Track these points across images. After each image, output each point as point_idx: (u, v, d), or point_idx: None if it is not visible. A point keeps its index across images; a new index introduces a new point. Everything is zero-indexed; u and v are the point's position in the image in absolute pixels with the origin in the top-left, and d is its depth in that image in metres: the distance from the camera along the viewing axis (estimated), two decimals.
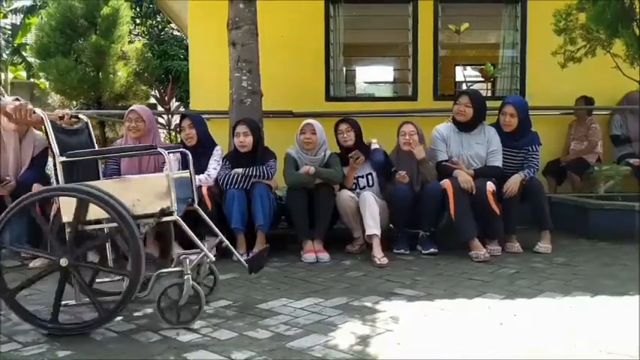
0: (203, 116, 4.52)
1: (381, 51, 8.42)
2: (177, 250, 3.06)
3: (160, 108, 7.25)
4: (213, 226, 2.94)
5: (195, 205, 2.91)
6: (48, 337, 2.49)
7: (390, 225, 4.29)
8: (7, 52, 16.14)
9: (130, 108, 4.20)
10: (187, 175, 2.89)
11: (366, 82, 9.86)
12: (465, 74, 5.83)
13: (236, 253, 3.09)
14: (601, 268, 3.63)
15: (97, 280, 2.99)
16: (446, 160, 4.22)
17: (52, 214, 3.78)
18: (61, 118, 2.69)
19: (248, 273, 2.97)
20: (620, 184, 5.07)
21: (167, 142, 6.77)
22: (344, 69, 6.51)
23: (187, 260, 2.62)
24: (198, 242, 2.70)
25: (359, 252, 4.18)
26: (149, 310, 2.83)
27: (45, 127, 2.63)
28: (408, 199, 4.10)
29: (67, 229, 2.57)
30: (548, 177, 5.75)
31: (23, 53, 15.80)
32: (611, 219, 4.51)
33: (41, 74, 9.20)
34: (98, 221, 2.57)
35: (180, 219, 2.60)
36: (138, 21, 12.62)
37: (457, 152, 4.26)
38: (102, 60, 7.93)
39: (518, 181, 4.14)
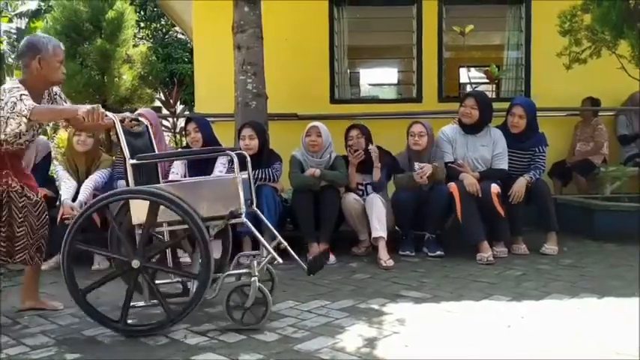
0: (208, 119, 4.53)
1: (386, 53, 8.43)
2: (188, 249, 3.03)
3: (165, 111, 7.27)
4: (272, 228, 2.91)
5: (254, 207, 2.91)
6: (56, 340, 2.50)
7: (396, 227, 4.29)
8: (13, 56, 16.21)
9: (137, 111, 4.21)
10: (246, 176, 2.89)
11: (370, 85, 9.86)
12: (469, 76, 5.81)
13: (294, 255, 2.94)
14: (608, 270, 3.62)
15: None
16: (452, 162, 4.22)
17: (59, 217, 3.82)
18: (122, 121, 2.70)
19: (307, 274, 2.87)
20: (627, 185, 5.05)
21: (172, 145, 6.80)
22: (348, 71, 6.52)
23: (255, 262, 2.61)
24: (266, 244, 2.69)
25: (365, 254, 4.18)
26: (156, 312, 2.84)
27: (116, 130, 2.65)
28: (410, 203, 4.11)
29: (138, 232, 2.60)
30: (553, 178, 5.73)
31: None
32: (617, 220, 4.49)
33: None
34: (168, 223, 2.60)
35: (247, 221, 2.61)
36: (142, 24, 12.67)
37: (463, 154, 4.26)
38: (107, 64, 7.94)
39: (524, 185, 4.13)
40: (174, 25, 11.77)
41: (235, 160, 2.64)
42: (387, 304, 2.94)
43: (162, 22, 12.94)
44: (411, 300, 3.01)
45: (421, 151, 4.22)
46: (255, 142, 4.14)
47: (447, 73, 6.30)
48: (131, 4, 9.46)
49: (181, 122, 6.56)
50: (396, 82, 9.56)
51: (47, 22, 8.97)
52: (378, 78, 10.07)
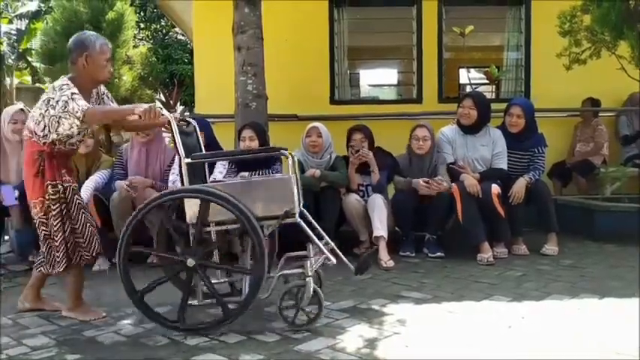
0: (208, 120, 4.53)
1: (386, 54, 8.43)
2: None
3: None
4: (320, 229, 2.91)
5: (301, 207, 2.89)
6: (56, 341, 2.50)
7: (396, 228, 4.29)
8: (13, 57, 16.20)
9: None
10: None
11: (370, 85, 9.86)
12: (469, 76, 5.81)
13: (342, 256, 2.89)
14: (608, 270, 3.62)
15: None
16: (452, 163, 4.22)
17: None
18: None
19: (354, 275, 2.86)
20: (627, 186, 5.05)
21: (171, 146, 6.78)
22: (348, 72, 6.52)
23: (308, 262, 2.61)
24: (320, 244, 2.69)
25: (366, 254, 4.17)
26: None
27: (171, 129, 2.66)
28: (410, 204, 4.11)
29: (191, 230, 2.60)
30: (553, 179, 5.73)
31: (28, 58, 15.85)
32: (617, 221, 4.49)
33: (47, 79, 9.22)
34: (220, 222, 2.59)
35: (301, 221, 2.61)
36: (142, 25, 12.68)
37: (462, 155, 4.26)
38: None
39: (524, 186, 4.14)
40: (174, 26, 11.78)
41: (293, 160, 2.67)
42: (387, 304, 2.94)
43: (162, 23, 12.94)
44: (412, 300, 3.01)
45: (424, 154, 4.22)
46: (255, 143, 4.13)
47: (446, 74, 6.30)
48: (131, 5, 9.47)
49: None
50: (396, 82, 9.56)
51: (47, 23, 8.98)
52: (378, 79, 10.07)
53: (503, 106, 4.49)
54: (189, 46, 11.64)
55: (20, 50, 16.15)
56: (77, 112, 2.56)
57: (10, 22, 16.60)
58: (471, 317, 2.72)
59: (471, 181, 4.04)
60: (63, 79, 2.67)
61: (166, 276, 2.69)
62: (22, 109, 4.16)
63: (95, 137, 4.15)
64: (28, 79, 17.90)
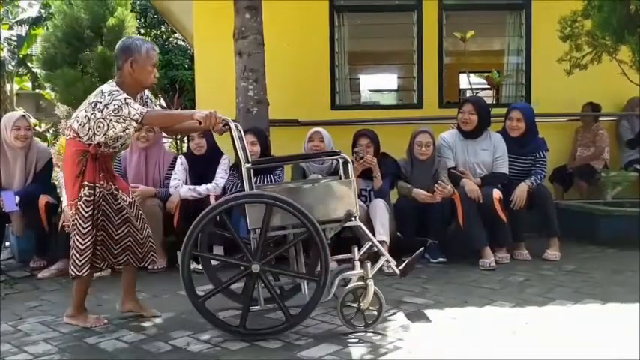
0: None
1: (386, 59, 8.43)
2: None
3: None
4: (367, 231, 2.85)
5: None
6: (58, 348, 2.49)
7: (398, 233, 4.28)
8: (13, 63, 16.23)
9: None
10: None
11: (371, 91, 9.87)
12: (470, 81, 5.81)
13: (389, 257, 2.88)
14: (611, 275, 3.61)
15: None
16: (453, 168, 4.22)
17: (60, 224, 3.82)
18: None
19: (399, 277, 2.84)
20: (628, 191, 5.05)
21: (172, 151, 6.79)
22: (349, 77, 6.53)
23: (368, 264, 2.62)
24: (381, 247, 2.74)
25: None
26: (158, 321, 2.84)
27: (231, 134, 2.67)
28: (412, 210, 4.11)
29: (253, 236, 2.63)
30: (554, 184, 5.73)
31: (29, 64, 15.88)
32: (619, 225, 4.48)
33: (47, 85, 9.23)
34: (282, 227, 2.63)
35: (362, 224, 2.63)
36: (143, 31, 12.68)
37: (463, 160, 4.26)
38: (108, 70, 7.95)
39: (525, 191, 4.13)
40: (174, 32, 11.78)
41: (351, 165, 2.69)
42: (390, 310, 2.93)
43: (163, 29, 12.95)
44: (415, 306, 3.00)
45: (426, 160, 4.21)
46: (256, 149, 4.14)
47: (447, 79, 6.31)
48: (132, 11, 9.48)
49: None
50: (396, 88, 9.56)
51: (48, 29, 8.99)
52: (378, 84, 10.08)
53: (504, 110, 4.49)
54: (189, 51, 11.65)
55: (20, 56, 16.19)
56: (134, 115, 2.58)
57: (11, 28, 16.64)
58: (474, 323, 2.71)
59: (471, 186, 4.03)
60: (112, 84, 2.69)
61: (230, 280, 2.64)
62: (23, 116, 4.15)
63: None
64: (29, 85, 17.93)
